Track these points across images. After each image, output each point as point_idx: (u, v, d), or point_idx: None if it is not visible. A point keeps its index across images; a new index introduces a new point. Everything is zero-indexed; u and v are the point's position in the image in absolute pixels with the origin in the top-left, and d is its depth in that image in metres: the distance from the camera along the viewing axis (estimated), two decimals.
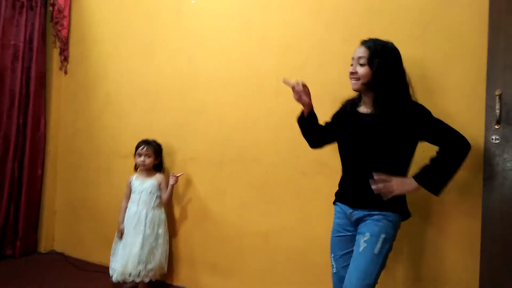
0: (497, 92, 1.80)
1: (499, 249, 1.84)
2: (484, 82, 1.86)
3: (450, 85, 2.02)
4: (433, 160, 1.70)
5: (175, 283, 2.91)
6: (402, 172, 1.77)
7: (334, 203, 1.94)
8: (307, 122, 2.00)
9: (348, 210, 1.82)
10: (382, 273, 2.09)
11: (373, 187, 1.68)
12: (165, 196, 2.77)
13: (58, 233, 3.57)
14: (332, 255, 1.89)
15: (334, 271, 1.87)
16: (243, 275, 2.63)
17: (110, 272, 2.70)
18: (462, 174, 1.97)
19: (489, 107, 1.85)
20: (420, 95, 2.05)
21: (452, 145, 1.69)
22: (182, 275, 2.89)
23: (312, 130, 2.03)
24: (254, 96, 2.60)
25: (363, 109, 1.85)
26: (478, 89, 1.91)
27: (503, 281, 1.82)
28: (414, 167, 1.77)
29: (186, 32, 2.90)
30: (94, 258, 3.29)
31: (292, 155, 2.42)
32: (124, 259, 2.65)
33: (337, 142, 1.95)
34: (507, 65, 1.80)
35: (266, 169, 2.54)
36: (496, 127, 1.82)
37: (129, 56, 3.19)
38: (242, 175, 2.64)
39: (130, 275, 2.61)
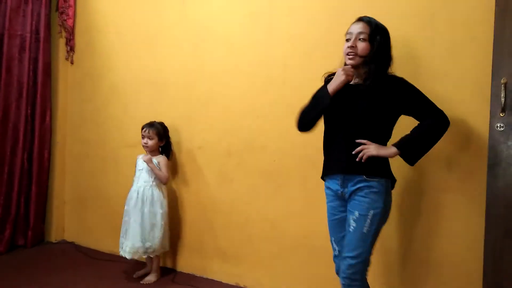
0: (503, 81, 1.82)
1: (503, 234, 1.88)
2: (489, 70, 1.87)
3: (456, 72, 2.05)
4: (413, 131, 1.82)
5: (184, 271, 2.97)
6: (383, 141, 1.86)
7: (323, 179, 2.00)
8: (322, 109, 1.90)
9: (339, 189, 1.87)
10: (385, 256, 2.16)
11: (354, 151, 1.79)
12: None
13: (68, 223, 3.62)
14: (333, 238, 1.95)
15: (336, 254, 1.94)
16: (251, 262, 2.69)
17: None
18: (466, 161, 2.04)
19: (494, 95, 1.87)
20: (425, 82, 2.08)
21: (434, 119, 1.82)
22: (191, 263, 2.95)
23: (318, 116, 1.95)
24: (262, 85, 2.63)
25: (353, 80, 1.90)
26: (484, 77, 1.93)
27: (507, 266, 1.87)
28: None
29: (191, 22, 2.92)
30: (104, 247, 3.35)
31: (299, 143, 2.45)
32: (124, 235, 2.74)
33: (327, 114, 1.94)
34: None
35: (274, 157, 2.58)
36: (501, 115, 1.85)
37: (134, 46, 3.20)
38: (250, 164, 2.68)
39: (128, 252, 2.68)
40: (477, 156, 2.00)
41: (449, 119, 1.83)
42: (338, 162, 1.88)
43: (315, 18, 2.46)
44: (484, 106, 1.93)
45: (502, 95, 1.83)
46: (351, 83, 1.90)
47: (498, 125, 1.87)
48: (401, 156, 1.81)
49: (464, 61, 2.03)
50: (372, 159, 1.79)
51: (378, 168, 1.82)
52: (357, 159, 1.79)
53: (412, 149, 1.82)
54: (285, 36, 2.56)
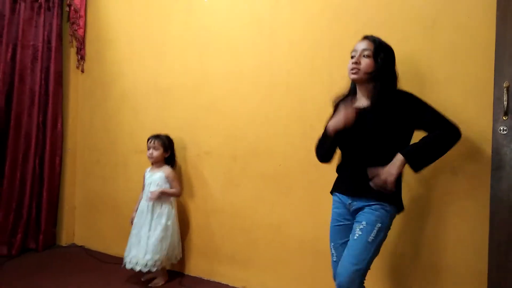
0: (505, 84, 1.84)
1: (507, 237, 1.88)
2: (491, 74, 1.89)
3: (458, 77, 2.07)
4: (423, 139, 1.79)
5: (192, 274, 3.00)
6: None
7: (332, 192, 2.01)
8: (332, 143, 1.93)
9: (347, 200, 1.90)
10: (391, 260, 2.17)
11: (372, 184, 1.78)
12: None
13: (78, 227, 3.69)
14: (332, 243, 1.97)
15: (334, 260, 1.95)
16: (257, 265, 2.72)
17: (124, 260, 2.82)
18: (470, 165, 2.05)
19: (496, 99, 1.89)
20: (428, 87, 2.12)
21: (444, 130, 1.79)
22: (198, 266, 2.98)
23: (332, 150, 1.99)
24: (265, 90, 2.67)
25: (358, 102, 1.92)
26: (486, 81, 1.95)
27: (511, 269, 1.87)
28: None
29: (197, 30, 2.98)
30: (113, 250, 3.40)
31: (304, 148, 2.47)
32: (133, 248, 2.78)
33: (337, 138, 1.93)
34: None
35: (279, 162, 2.61)
36: (504, 118, 1.86)
37: (143, 55, 3.28)
38: (255, 168, 2.72)
39: (137, 264, 2.72)
40: (481, 159, 2.01)
41: (460, 131, 1.79)
42: (347, 185, 1.91)
43: (316, 24, 2.50)
44: (487, 110, 1.94)
45: (504, 99, 1.84)
46: (356, 105, 1.90)
47: (501, 128, 1.88)
48: (406, 162, 1.77)
49: (466, 65, 2.04)
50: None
51: (390, 195, 1.81)
52: (385, 192, 1.77)
53: (417, 156, 1.77)
54: (288, 42, 2.60)
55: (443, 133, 1.80)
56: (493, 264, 1.92)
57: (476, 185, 2.03)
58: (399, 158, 1.77)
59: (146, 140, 2.89)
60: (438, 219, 2.14)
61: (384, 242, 1.82)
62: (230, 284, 2.81)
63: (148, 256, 2.71)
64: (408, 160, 1.77)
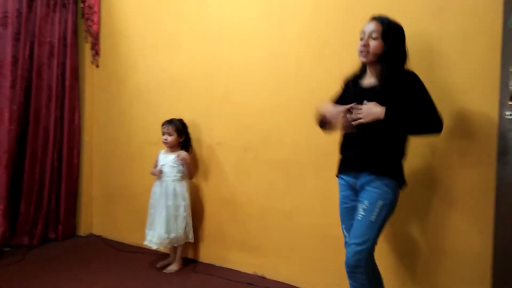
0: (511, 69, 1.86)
1: None
2: (498, 60, 1.91)
3: (466, 62, 2.09)
4: (411, 110, 1.79)
5: (205, 261, 3.09)
6: (397, 140, 1.90)
7: (337, 175, 2.06)
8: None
9: (352, 180, 1.95)
10: (397, 245, 2.20)
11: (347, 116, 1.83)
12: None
13: (96, 218, 3.81)
14: (344, 225, 2.04)
15: (347, 240, 2.00)
16: (268, 252, 2.79)
17: None
18: (476, 150, 2.08)
19: (503, 84, 1.91)
20: (436, 71, 2.15)
21: (430, 117, 1.81)
22: (211, 253, 3.07)
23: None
24: (276, 82, 2.72)
25: (367, 80, 1.97)
26: (493, 66, 1.97)
27: None
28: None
29: (208, 23, 3.04)
30: (129, 239, 3.50)
31: (314, 137, 2.52)
32: (151, 228, 2.91)
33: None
34: None
35: (289, 151, 2.66)
36: (510, 103, 1.88)
37: (156, 49, 3.35)
38: (266, 158, 2.78)
39: (155, 243, 2.85)
40: (487, 143, 2.03)
41: (442, 127, 1.82)
42: (350, 161, 1.96)
43: (326, 16, 2.54)
44: (493, 95, 1.97)
45: (510, 84, 1.86)
46: (364, 84, 1.96)
47: (507, 113, 1.90)
48: (386, 121, 1.79)
49: (473, 51, 2.07)
50: (382, 159, 1.86)
51: (389, 168, 1.87)
52: (353, 123, 1.84)
53: (394, 121, 1.80)
54: (297, 33, 2.64)
55: (428, 118, 1.81)
56: (498, 247, 1.95)
57: (482, 169, 2.06)
58: (380, 111, 1.78)
59: (161, 131, 2.97)
60: (444, 202, 2.17)
61: (388, 225, 1.87)
62: (243, 270, 2.89)
63: (164, 235, 2.83)
64: (386, 119, 1.78)
